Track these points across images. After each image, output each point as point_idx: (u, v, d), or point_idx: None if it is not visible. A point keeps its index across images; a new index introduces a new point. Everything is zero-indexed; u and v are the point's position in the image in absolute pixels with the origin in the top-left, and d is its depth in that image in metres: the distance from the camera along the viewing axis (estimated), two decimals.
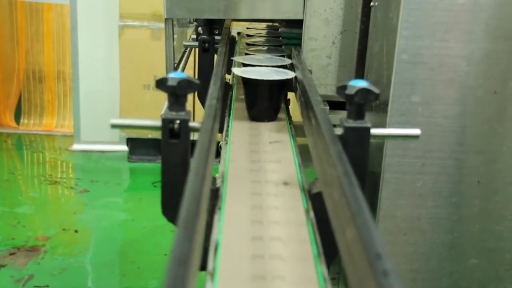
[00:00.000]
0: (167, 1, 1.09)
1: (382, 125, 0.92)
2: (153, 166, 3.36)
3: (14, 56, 3.87)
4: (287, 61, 1.06)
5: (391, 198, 0.93)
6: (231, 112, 1.02)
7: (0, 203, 2.80)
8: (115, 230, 2.61)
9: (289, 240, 0.59)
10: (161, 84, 0.66)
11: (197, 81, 0.66)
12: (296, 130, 0.95)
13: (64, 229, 2.57)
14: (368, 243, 0.40)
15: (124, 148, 3.52)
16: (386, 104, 0.91)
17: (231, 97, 1.12)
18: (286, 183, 0.73)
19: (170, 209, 0.69)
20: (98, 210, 2.78)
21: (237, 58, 1.07)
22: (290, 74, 0.96)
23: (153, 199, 2.88)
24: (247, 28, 1.54)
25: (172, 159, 0.67)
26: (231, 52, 1.39)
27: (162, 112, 0.69)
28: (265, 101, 0.96)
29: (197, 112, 3.06)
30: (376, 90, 0.65)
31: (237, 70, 0.96)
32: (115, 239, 2.55)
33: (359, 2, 1.08)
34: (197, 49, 1.36)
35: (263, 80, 0.93)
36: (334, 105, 1.10)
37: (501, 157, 0.91)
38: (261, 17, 1.12)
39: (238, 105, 1.06)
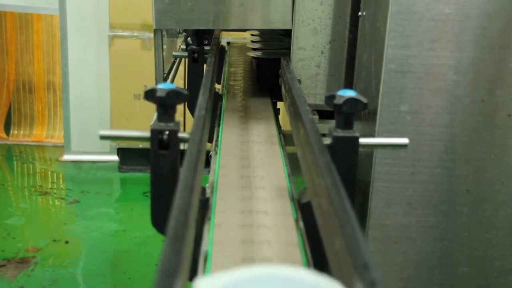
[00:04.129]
0: (156, 11, 1.09)
1: (371, 134, 0.92)
2: (144, 176, 3.35)
3: (3, 67, 3.86)
4: None
5: (381, 207, 0.94)
6: (221, 122, 1.02)
7: None
8: (106, 240, 2.60)
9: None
10: (149, 95, 0.66)
11: (186, 92, 0.66)
12: (286, 139, 0.95)
13: (54, 240, 2.55)
14: (355, 253, 0.40)
15: (115, 158, 3.51)
16: (374, 113, 0.91)
17: (221, 107, 1.12)
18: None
19: (159, 220, 0.68)
20: (89, 221, 2.77)
21: None
22: None
23: (144, 209, 2.87)
24: None
25: (161, 170, 0.67)
26: (220, 62, 1.39)
27: (152, 123, 0.69)
28: None
29: (187, 122, 3.06)
30: (364, 99, 0.66)
31: None
32: (106, 250, 2.54)
33: (347, 12, 1.09)
34: (187, 59, 1.37)
35: None
36: (324, 114, 1.10)
37: (489, 165, 0.92)
38: (250, 27, 1.12)
39: (228, 115, 1.06)
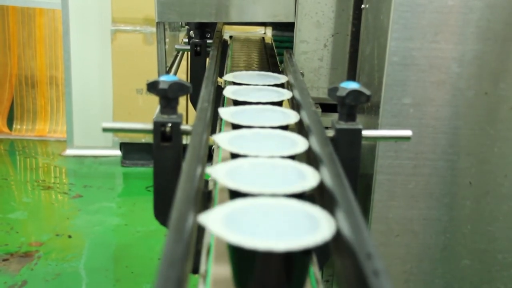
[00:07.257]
0: (158, 5, 1.09)
1: (374, 127, 0.92)
2: (147, 171, 3.35)
3: (6, 62, 3.86)
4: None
5: (384, 199, 0.93)
6: None
7: None
8: (109, 235, 2.61)
9: None
10: (152, 87, 0.66)
11: (188, 84, 0.66)
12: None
13: (57, 235, 2.56)
14: (359, 243, 0.40)
15: (118, 153, 3.51)
16: (377, 106, 0.91)
17: (223, 100, 1.12)
18: None
19: (162, 212, 0.68)
20: (92, 215, 2.77)
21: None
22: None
23: (147, 203, 2.87)
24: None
25: (164, 162, 0.67)
26: (223, 55, 1.39)
27: (154, 116, 0.69)
28: None
29: (190, 117, 3.06)
30: (367, 91, 0.65)
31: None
32: (109, 244, 2.54)
33: (350, 5, 1.09)
34: (189, 53, 1.36)
35: None
36: (326, 108, 1.10)
37: (492, 158, 0.92)
38: (253, 20, 1.12)
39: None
